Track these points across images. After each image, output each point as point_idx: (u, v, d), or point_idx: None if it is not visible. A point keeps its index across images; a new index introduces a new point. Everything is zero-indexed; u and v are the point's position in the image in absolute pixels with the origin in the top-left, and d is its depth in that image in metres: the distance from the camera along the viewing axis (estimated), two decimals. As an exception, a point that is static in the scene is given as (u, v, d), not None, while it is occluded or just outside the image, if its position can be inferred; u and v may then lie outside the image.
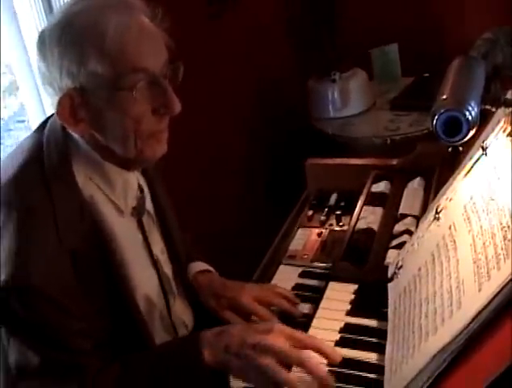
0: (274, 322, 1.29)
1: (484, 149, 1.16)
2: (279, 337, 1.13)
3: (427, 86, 2.86)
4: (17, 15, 1.81)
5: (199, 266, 1.57)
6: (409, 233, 1.50)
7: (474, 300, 0.94)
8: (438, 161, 1.67)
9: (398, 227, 1.57)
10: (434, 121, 0.98)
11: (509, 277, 0.88)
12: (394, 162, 1.86)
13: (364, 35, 3.16)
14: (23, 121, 2.17)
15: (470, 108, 0.96)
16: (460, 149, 1.14)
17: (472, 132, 0.96)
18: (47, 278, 1.10)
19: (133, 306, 1.26)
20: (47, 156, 1.21)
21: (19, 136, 2.15)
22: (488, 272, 0.95)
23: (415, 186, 1.73)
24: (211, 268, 1.58)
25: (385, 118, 2.89)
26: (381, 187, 1.77)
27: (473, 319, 0.92)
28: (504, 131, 1.14)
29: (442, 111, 0.97)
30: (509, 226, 0.96)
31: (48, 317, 1.12)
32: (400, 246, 1.45)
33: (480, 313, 0.91)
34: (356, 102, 2.94)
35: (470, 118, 0.95)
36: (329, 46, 3.05)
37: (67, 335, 1.14)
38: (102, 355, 1.19)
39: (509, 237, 0.95)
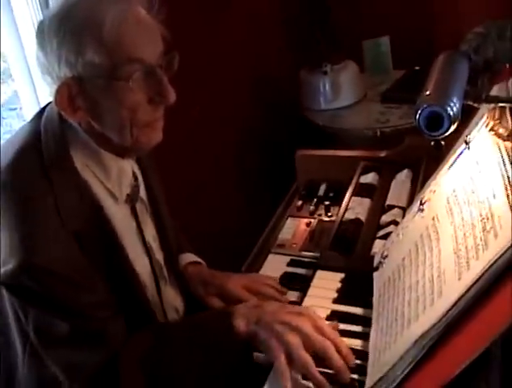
0: (305, 307, 1.31)
1: (467, 143, 1.20)
2: (308, 321, 1.19)
3: (418, 79, 2.87)
4: (11, 4, 1.83)
5: (188, 257, 1.60)
6: (396, 223, 1.53)
7: (454, 288, 0.98)
8: (426, 153, 1.70)
9: (385, 218, 1.60)
10: (417, 116, 1.01)
11: (487, 266, 0.92)
12: (382, 153, 1.89)
13: (356, 28, 3.15)
14: (15, 109, 2.18)
15: (452, 104, 0.99)
16: (442, 143, 1.18)
17: (453, 127, 0.99)
18: (55, 258, 1.14)
19: (135, 284, 1.31)
20: (45, 143, 1.24)
21: (11, 123, 2.17)
22: (467, 262, 0.99)
23: (403, 178, 1.76)
24: (200, 260, 1.62)
25: (376, 110, 2.90)
26: (369, 178, 1.80)
27: (452, 306, 0.95)
28: (486, 126, 1.18)
29: (424, 106, 1.00)
30: (488, 218, 1.00)
31: (64, 293, 1.16)
32: (386, 236, 1.48)
33: (459, 300, 0.95)
34: (347, 94, 2.96)
35: (451, 113, 0.98)
36: (321, 38, 3.06)
37: (84, 306, 1.19)
38: (122, 321, 1.24)
39: (487, 228, 0.98)
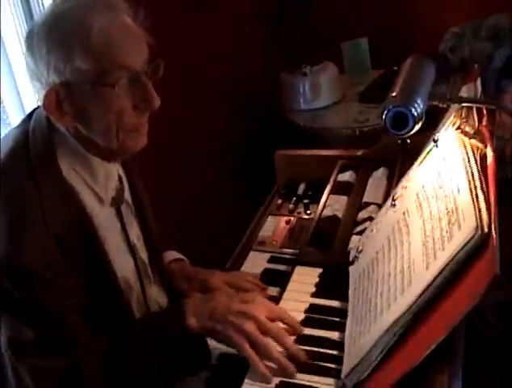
0: (256, 294, 1.36)
1: (435, 141, 1.26)
2: (260, 307, 1.24)
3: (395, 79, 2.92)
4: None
5: (172, 255, 1.64)
6: (372, 220, 1.57)
7: (422, 277, 1.04)
8: (401, 152, 1.75)
9: (362, 214, 1.65)
10: (384, 116, 1.07)
11: (452, 256, 0.98)
12: (359, 152, 1.94)
13: (335, 29, 3.18)
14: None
15: (416, 105, 1.05)
16: (408, 141, 1.24)
17: (417, 127, 1.05)
18: (36, 258, 1.17)
19: (115, 286, 1.33)
20: (32, 145, 1.27)
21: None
22: (434, 253, 1.05)
23: (379, 175, 1.81)
24: (183, 257, 1.66)
25: (355, 110, 2.93)
26: (347, 176, 1.85)
27: (421, 295, 1.01)
28: (453, 125, 1.24)
29: (390, 107, 1.06)
30: (453, 211, 1.06)
31: (38, 293, 1.19)
32: (363, 232, 1.53)
33: (426, 289, 1.01)
34: (326, 94, 2.99)
35: (416, 114, 1.04)
36: (301, 40, 3.10)
37: (57, 309, 1.21)
38: (90, 329, 1.26)
39: (452, 221, 1.04)
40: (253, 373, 1.20)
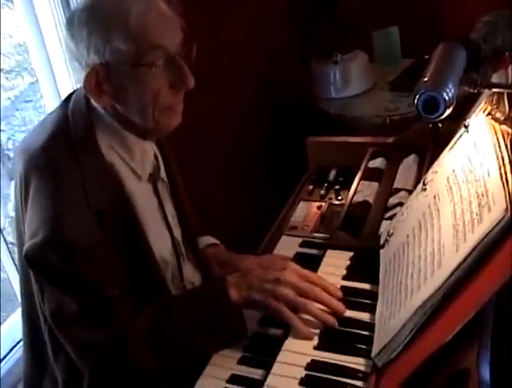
0: (287, 262, 1.40)
1: (466, 126, 1.28)
2: (292, 273, 1.30)
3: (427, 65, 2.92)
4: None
5: (207, 240, 1.69)
6: (402, 205, 1.59)
7: (452, 259, 1.06)
8: (431, 138, 1.76)
9: (392, 200, 1.66)
10: (416, 101, 1.10)
11: (481, 238, 1.00)
12: (390, 139, 1.94)
13: (365, 18, 3.19)
14: (30, 101, 2.26)
15: (447, 90, 1.07)
16: (440, 125, 1.26)
17: (448, 111, 1.08)
18: (78, 234, 1.23)
19: (152, 262, 1.38)
20: (73, 127, 1.33)
21: (27, 116, 2.25)
22: (464, 235, 1.07)
23: (409, 162, 1.81)
24: (218, 242, 1.70)
25: (385, 98, 2.94)
26: (377, 163, 1.85)
27: (450, 275, 1.04)
28: (484, 111, 1.26)
29: (422, 91, 1.09)
30: (483, 195, 1.08)
31: (81, 267, 1.24)
32: (393, 217, 1.54)
33: (456, 269, 1.03)
34: (357, 83, 3.01)
35: (447, 98, 1.07)
36: (331, 28, 3.12)
37: (99, 283, 1.26)
38: (130, 304, 1.31)
39: (482, 204, 1.07)
40: (293, 335, 1.27)
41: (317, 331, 1.26)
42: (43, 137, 1.33)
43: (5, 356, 1.79)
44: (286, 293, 1.26)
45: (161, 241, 1.45)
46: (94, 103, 1.34)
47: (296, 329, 1.27)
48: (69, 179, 1.27)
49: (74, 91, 1.41)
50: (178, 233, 1.54)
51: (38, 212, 1.25)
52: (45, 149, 1.31)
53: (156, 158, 1.47)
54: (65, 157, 1.29)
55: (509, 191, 1.02)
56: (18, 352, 1.78)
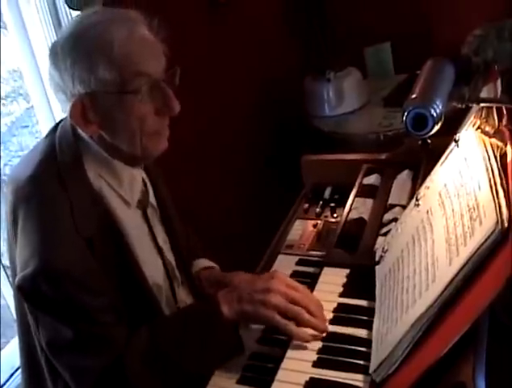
0: (273, 271, 1.42)
1: (456, 141, 1.29)
2: (280, 282, 1.31)
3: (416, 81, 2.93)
4: (25, 24, 1.93)
5: (203, 263, 1.69)
6: (397, 221, 1.61)
7: (446, 273, 1.07)
8: (425, 154, 1.77)
9: (387, 216, 1.67)
10: (404, 117, 1.11)
11: (473, 251, 1.01)
12: (384, 156, 1.95)
13: (357, 35, 3.22)
14: (26, 127, 2.27)
15: (435, 106, 1.09)
16: (429, 141, 1.27)
17: (437, 127, 1.09)
18: (69, 262, 1.23)
19: (144, 286, 1.39)
20: (60, 156, 1.34)
21: (23, 141, 2.26)
22: (457, 248, 1.08)
23: (403, 177, 1.82)
24: (214, 264, 1.70)
25: (379, 115, 2.96)
26: (372, 179, 1.86)
27: (444, 289, 1.04)
28: (474, 125, 1.27)
29: (410, 108, 1.10)
30: (474, 208, 1.09)
31: (73, 294, 1.24)
32: (388, 233, 1.55)
33: (450, 283, 1.04)
34: (350, 100, 3.03)
35: (435, 115, 1.08)
36: (324, 46, 3.14)
37: (92, 310, 1.26)
38: (125, 327, 1.31)
39: (474, 217, 1.07)
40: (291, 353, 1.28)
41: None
42: (31, 167, 1.33)
43: (5, 383, 1.79)
44: (276, 301, 1.27)
45: (153, 266, 1.45)
46: (80, 132, 1.34)
47: (292, 334, 1.28)
48: (57, 208, 1.28)
49: (61, 121, 1.42)
50: (171, 257, 1.54)
51: (28, 241, 1.26)
52: (33, 178, 1.31)
53: (144, 183, 1.48)
54: (52, 185, 1.30)
55: (499, 203, 1.03)
56: (18, 378, 1.78)
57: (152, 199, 1.51)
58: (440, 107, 1.09)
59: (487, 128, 1.25)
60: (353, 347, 1.27)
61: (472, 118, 1.27)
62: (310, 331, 1.30)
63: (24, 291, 1.25)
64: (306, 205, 1.91)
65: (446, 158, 1.32)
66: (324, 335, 1.30)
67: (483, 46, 1.73)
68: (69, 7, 1.87)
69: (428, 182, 1.37)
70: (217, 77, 2.63)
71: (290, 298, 1.29)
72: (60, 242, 1.25)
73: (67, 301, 1.24)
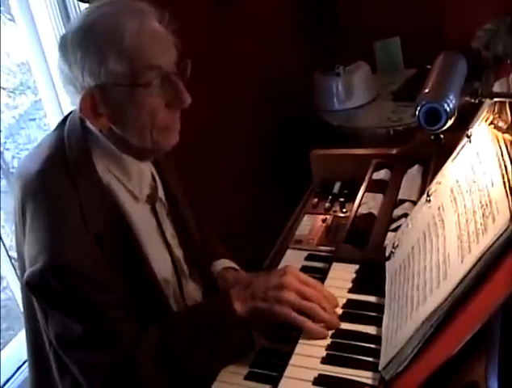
0: (286, 267, 1.39)
1: (468, 136, 1.27)
2: (292, 278, 1.30)
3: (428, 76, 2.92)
4: (34, 17, 1.92)
5: (224, 263, 1.67)
6: (407, 216, 1.59)
7: (457, 270, 1.05)
8: (435, 149, 1.76)
9: (397, 212, 1.66)
10: (417, 112, 1.10)
11: (486, 249, 0.99)
12: (394, 151, 1.94)
13: (367, 29, 3.21)
14: (34, 119, 2.26)
15: (449, 101, 1.07)
16: (442, 136, 1.25)
17: (450, 122, 1.07)
18: (78, 257, 1.22)
19: (152, 281, 1.38)
20: (69, 150, 1.33)
21: (31, 134, 2.25)
22: (469, 246, 1.07)
23: (413, 173, 1.81)
24: (235, 265, 1.68)
25: (388, 109, 2.94)
26: (382, 174, 1.85)
27: (456, 287, 1.03)
28: (486, 120, 1.26)
29: (423, 103, 1.09)
30: (487, 204, 1.08)
31: (82, 290, 1.23)
32: (398, 229, 1.54)
33: (462, 281, 1.02)
34: (360, 94, 3.01)
35: (448, 109, 1.07)
36: (333, 40, 3.12)
37: (101, 305, 1.26)
38: (134, 323, 1.31)
39: (486, 214, 1.06)
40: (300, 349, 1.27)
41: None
42: (39, 161, 1.32)
43: (11, 376, 1.79)
44: (290, 298, 1.27)
45: (161, 261, 1.44)
46: (89, 125, 1.33)
47: (308, 330, 1.27)
48: (66, 203, 1.27)
49: (69, 113, 1.41)
50: (179, 252, 1.53)
51: (36, 237, 1.25)
52: (41, 173, 1.30)
53: (153, 178, 1.47)
54: (61, 180, 1.29)
55: (513, 200, 1.02)
56: (25, 371, 1.77)
57: (161, 193, 1.49)
58: (453, 101, 1.07)
59: (500, 124, 1.23)
60: (362, 344, 1.26)
61: (484, 113, 1.26)
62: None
63: (33, 286, 1.24)
64: (315, 200, 1.90)
65: (458, 153, 1.30)
66: (333, 331, 1.29)
67: (493, 40, 1.71)
68: (78, 0, 1.87)
69: (439, 177, 1.36)
70: (226, 72, 2.62)
71: (304, 294, 1.28)
72: (68, 238, 1.24)
73: (76, 296, 1.24)
